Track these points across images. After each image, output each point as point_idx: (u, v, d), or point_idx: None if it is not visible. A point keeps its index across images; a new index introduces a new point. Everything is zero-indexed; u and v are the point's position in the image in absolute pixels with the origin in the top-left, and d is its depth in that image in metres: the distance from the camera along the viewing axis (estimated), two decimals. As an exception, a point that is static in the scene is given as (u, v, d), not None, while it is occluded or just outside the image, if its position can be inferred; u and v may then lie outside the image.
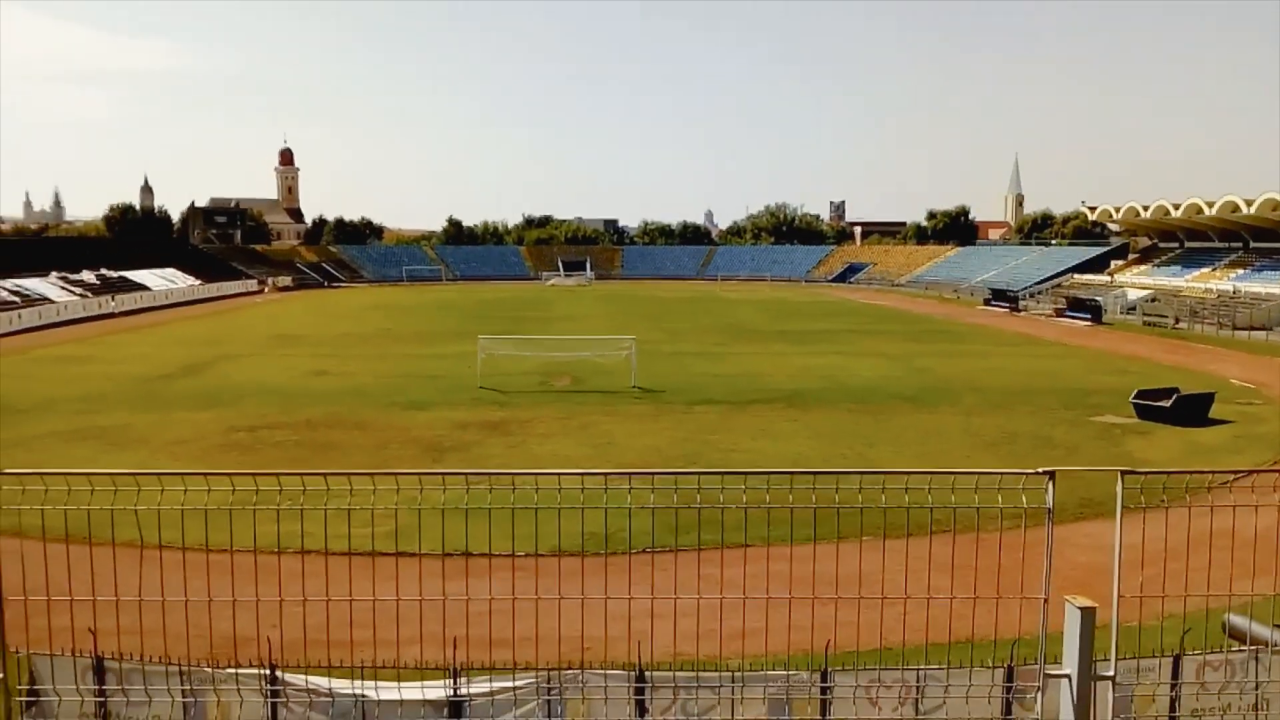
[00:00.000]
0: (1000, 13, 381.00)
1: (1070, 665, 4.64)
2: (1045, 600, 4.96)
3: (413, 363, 43.03)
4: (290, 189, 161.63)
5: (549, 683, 9.78)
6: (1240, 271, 71.23)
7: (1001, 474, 4.98)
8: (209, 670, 9.74)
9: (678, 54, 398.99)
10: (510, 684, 9.80)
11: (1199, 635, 8.35)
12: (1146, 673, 8.13)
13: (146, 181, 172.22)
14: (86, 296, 71.75)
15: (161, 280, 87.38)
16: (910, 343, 52.61)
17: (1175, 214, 76.64)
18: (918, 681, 9.68)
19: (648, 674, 9.71)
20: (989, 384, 37.25)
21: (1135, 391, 30.88)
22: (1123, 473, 4.81)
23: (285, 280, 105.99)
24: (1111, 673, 4.96)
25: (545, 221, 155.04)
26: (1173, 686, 8.18)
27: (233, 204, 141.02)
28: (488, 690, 9.86)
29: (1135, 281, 78.42)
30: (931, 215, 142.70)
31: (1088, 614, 4.63)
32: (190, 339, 54.49)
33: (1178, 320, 62.77)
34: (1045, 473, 4.80)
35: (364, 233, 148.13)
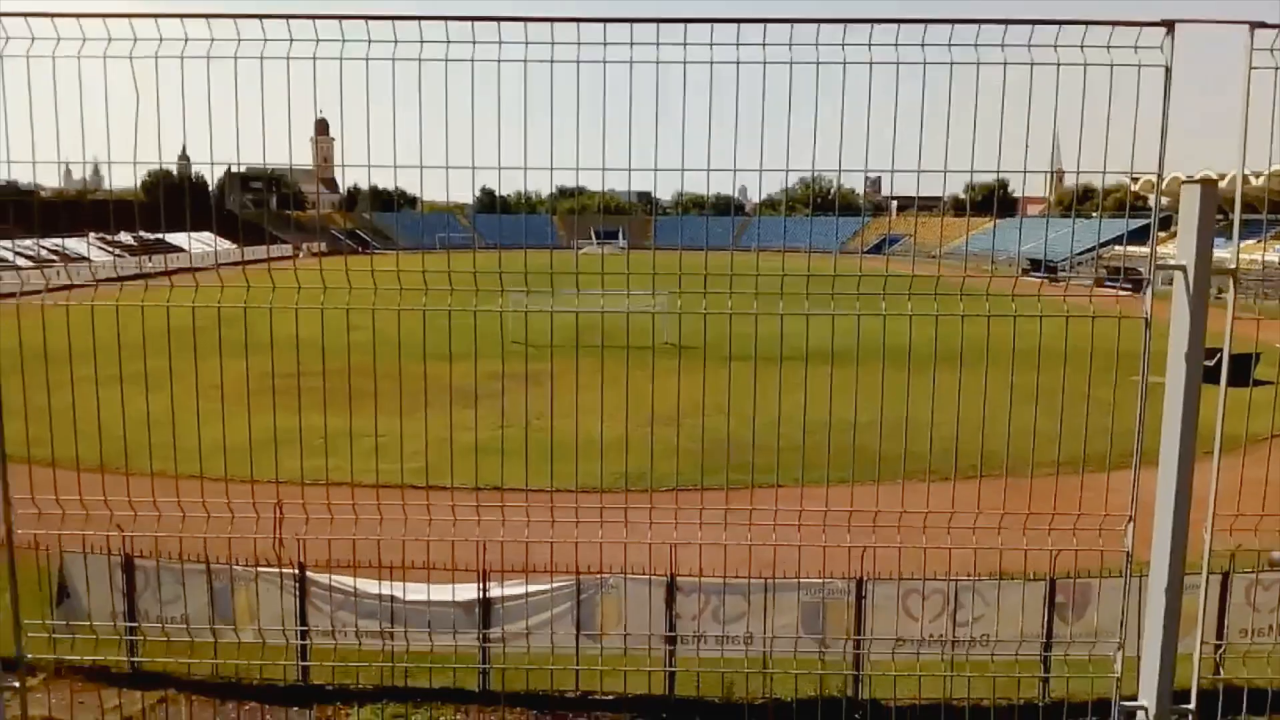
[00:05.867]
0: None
1: (1187, 256, 3.77)
2: (1159, 176, 4.33)
3: (443, 318, 43.10)
4: (326, 158, 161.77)
5: (579, 587, 9.64)
6: (1288, 242, 69.58)
7: (1113, 25, 4.22)
8: (238, 569, 9.67)
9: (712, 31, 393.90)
10: (540, 587, 9.67)
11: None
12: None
13: (184, 150, 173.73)
14: (123, 257, 72.44)
15: (197, 244, 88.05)
16: (945, 306, 52.04)
17: (1221, 185, 74.98)
18: (955, 594, 9.44)
19: (678, 579, 9.53)
20: (1028, 345, 36.71)
21: (1178, 351, 30.21)
22: (1252, 25, 4.01)
23: (319, 246, 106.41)
24: (1234, 265, 4.25)
25: (578, 192, 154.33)
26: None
27: (268, 171, 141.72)
28: (519, 593, 9.73)
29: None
30: (969, 189, 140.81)
31: (1208, 191, 3.74)
32: (225, 297, 54.95)
33: (1220, 291, 61.40)
34: (1164, 23, 4.00)
35: (398, 201, 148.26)
